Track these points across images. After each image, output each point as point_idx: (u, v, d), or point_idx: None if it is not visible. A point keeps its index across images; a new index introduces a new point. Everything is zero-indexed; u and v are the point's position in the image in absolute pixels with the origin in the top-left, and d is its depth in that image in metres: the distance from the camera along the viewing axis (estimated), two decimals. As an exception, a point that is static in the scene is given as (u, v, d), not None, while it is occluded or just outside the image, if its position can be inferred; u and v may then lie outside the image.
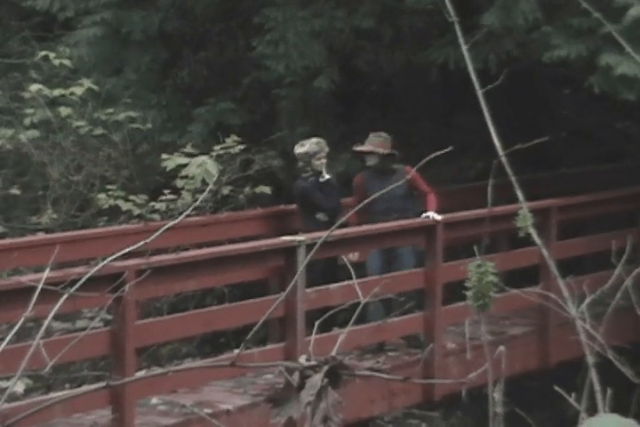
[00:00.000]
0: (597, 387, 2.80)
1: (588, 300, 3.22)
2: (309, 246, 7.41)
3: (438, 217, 8.44)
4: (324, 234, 7.52)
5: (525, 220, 3.00)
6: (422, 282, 8.43)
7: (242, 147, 9.57)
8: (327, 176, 8.65)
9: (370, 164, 8.65)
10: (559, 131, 13.16)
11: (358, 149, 8.71)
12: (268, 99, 11.43)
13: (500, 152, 2.96)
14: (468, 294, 3.13)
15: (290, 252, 7.49)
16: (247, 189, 9.76)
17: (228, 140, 9.59)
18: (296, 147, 8.73)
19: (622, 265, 3.65)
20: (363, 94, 12.09)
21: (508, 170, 2.94)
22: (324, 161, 8.63)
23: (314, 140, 8.72)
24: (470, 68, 3.03)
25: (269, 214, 9.28)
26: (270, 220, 9.22)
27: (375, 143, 8.68)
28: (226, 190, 9.57)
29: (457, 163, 12.01)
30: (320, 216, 8.49)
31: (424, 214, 8.51)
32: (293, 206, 9.66)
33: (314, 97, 11.16)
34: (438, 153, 3.25)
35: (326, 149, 8.66)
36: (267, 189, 9.71)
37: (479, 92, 2.99)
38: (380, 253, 8.56)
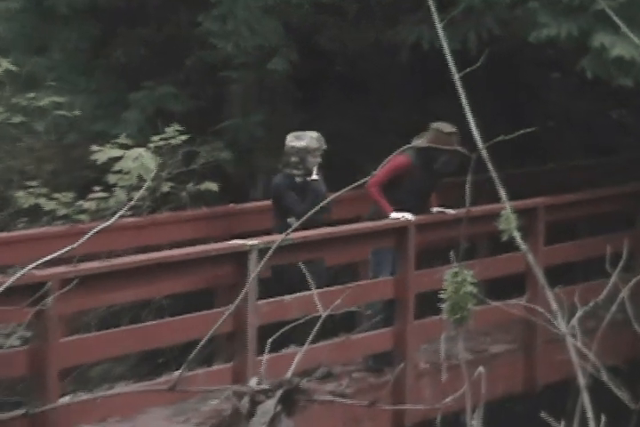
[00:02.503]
0: (590, 413, 2.82)
1: (579, 313, 3.24)
2: (262, 251, 7.41)
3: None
4: (278, 237, 7.52)
5: (509, 221, 3.01)
6: (392, 292, 8.46)
7: (184, 137, 9.55)
8: (315, 177, 8.54)
9: (443, 159, 8.63)
10: (546, 120, 13.26)
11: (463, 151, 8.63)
12: (215, 82, 11.42)
13: (480, 144, 2.97)
14: (444, 306, 3.14)
15: (240, 257, 7.48)
16: (190, 186, 9.74)
17: (169, 130, 9.57)
18: (289, 139, 8.58)
19: (618, 273, 3.68)
20: (325, 77, 12.11)
21: (489, 165, 2.95)
22: (319, 160, 8.55)
23: (314, 134, 8.59)
24: (446, 48, 3.04)
25: (216, 215, 9.27)
26: (218, 221, 9.21)
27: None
28: (166, 187, 9.54)
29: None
30: (291, 221, 8.38)
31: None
32: (244, 206, 9.63)
33: (269, 80, 11.16)
34: (411, 145, 3.25)
35: (324, 146, 8.57)
36: (213, 186, 9.70)
37: (456, 76, 3.00)
38: (390, 252, 8.56)
